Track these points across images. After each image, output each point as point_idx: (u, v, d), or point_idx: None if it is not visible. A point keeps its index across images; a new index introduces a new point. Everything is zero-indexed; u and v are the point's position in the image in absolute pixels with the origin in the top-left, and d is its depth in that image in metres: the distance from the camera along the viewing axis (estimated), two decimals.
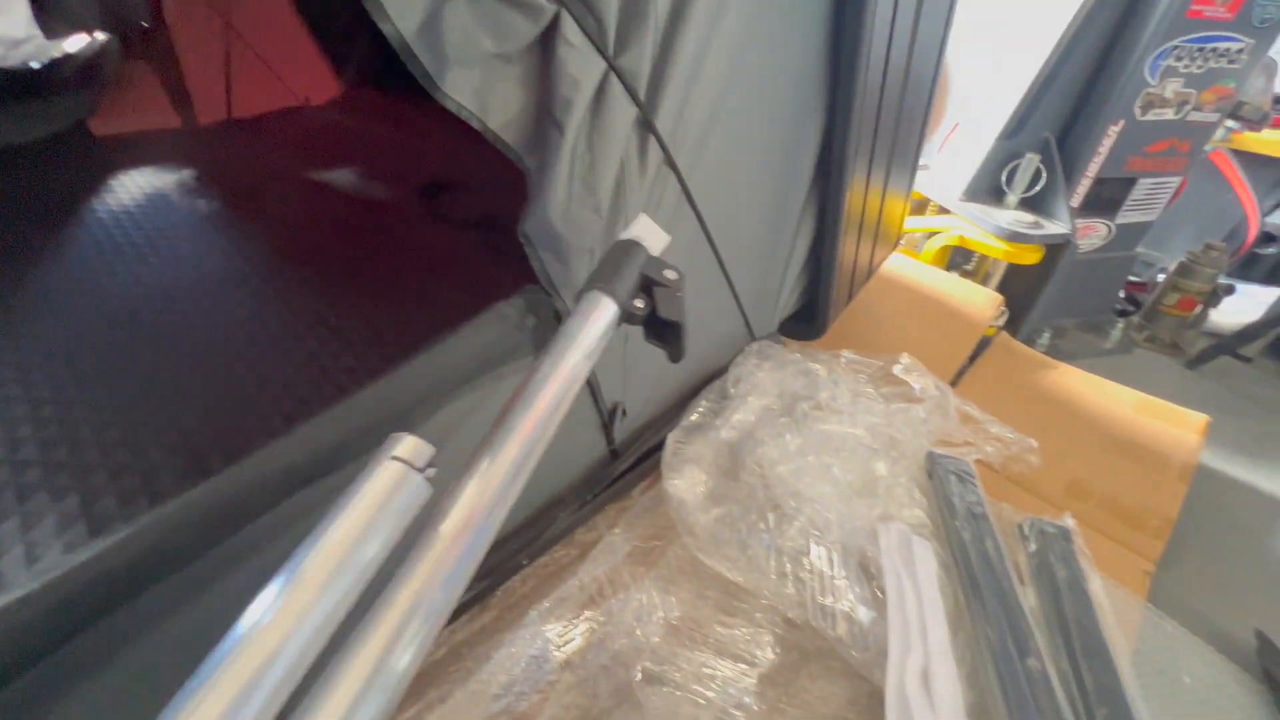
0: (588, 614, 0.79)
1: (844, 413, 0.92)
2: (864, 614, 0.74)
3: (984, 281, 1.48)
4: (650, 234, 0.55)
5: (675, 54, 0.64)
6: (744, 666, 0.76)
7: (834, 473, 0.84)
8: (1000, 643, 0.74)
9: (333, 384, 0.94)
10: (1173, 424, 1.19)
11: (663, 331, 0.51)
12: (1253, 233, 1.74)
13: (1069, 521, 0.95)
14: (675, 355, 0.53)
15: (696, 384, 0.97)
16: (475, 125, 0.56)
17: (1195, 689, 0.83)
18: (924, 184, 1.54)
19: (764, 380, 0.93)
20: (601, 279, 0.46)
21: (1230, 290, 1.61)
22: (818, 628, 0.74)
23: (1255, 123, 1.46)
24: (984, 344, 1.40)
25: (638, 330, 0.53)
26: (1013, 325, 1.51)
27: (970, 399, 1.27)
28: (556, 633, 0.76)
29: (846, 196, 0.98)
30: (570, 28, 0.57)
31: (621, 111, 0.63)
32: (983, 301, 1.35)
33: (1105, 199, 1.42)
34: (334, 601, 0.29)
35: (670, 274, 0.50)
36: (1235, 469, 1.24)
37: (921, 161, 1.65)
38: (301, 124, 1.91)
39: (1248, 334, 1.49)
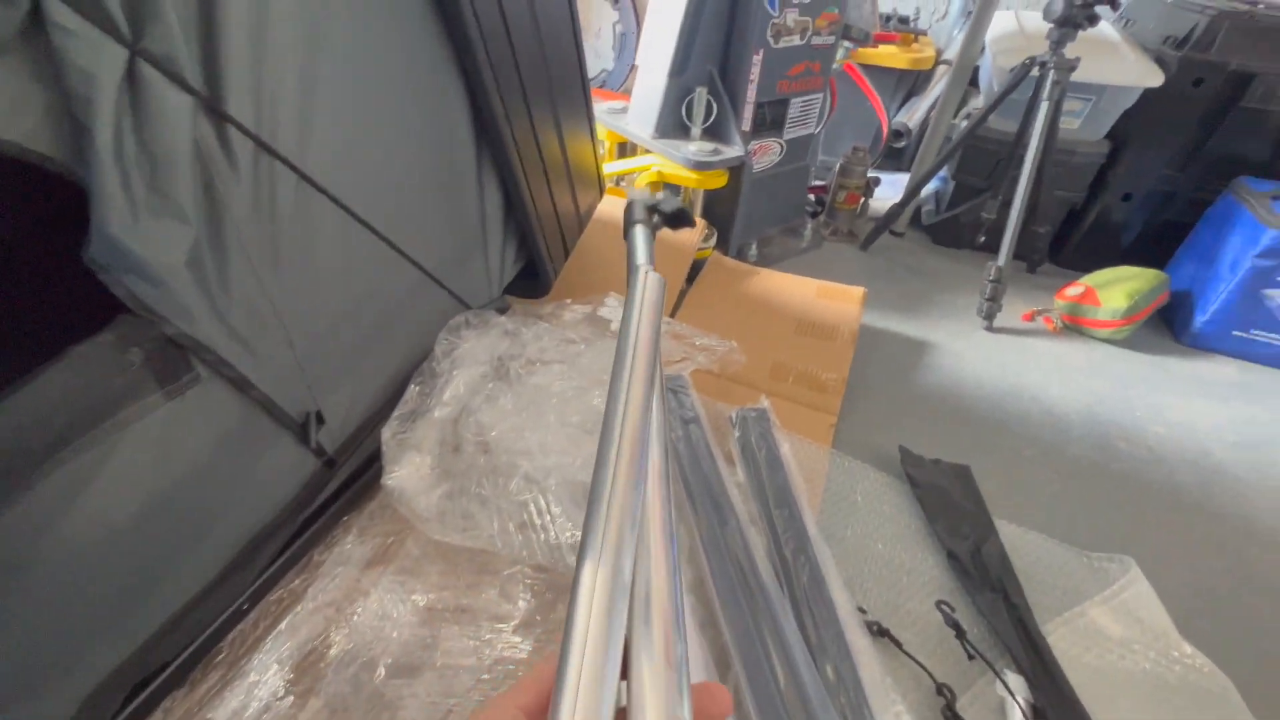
0: (329, 633, 0.76)
1: (556, 362, 0.98)
2: None
3: (690, 209, 1.64)
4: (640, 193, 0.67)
5: (223, 29, 0.57)
6: (500, 624, 0.79)
7: (551, 420, 0.89)
8: (707, 519, 0.86)
9: None
10: (841, 300, 1.46)
11: (677, 220, 0.61)
12: (885, 132, 2.16)
13: (764, 403, 1.13)
14: (691, 224, 0.64)
15: (410, 370, 0.95)
16: None
17: (865, 503, 1.06)
18: (625, 126, 1.64)
19: (471, 350, 0.94)
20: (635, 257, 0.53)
21: (878, 182, 2.00)
22: (552, 565, 0.80)
23: (861, 42, 1.78)
24: (702, 265, 1.57)
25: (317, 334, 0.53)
26: (723, 243, 1.70)
27: (691, 317, 1.42)
28: (293, 664, 0.72)
29: (514, 149, 1.00)
30: (58, 10, 0.48)
31: (171, 102, 0.55)
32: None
33: (769, 120, 1.63)
34: None
35: (660, 195, 0.63)
36: (890, 323, 1.58)
37: (620, 105, 1.75)
38: None
39: (893, 214, 1.87)
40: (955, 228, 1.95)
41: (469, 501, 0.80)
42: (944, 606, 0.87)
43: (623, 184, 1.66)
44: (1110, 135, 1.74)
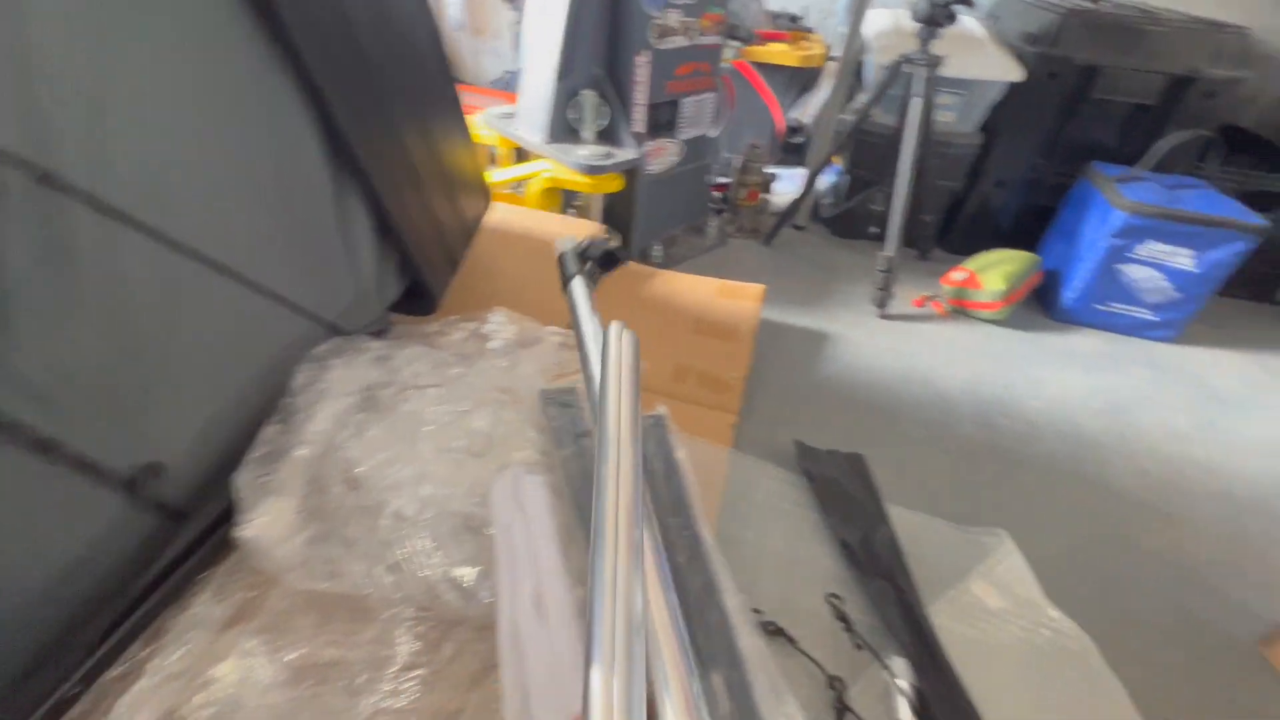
0: (179, 707, 0.69)
1: (432, 386, 0.93)
2: (468, 572, 0.77)
3: (588, 214, 1.62)
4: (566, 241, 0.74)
5: None
6: (379, 672, 0.74)
7: (427, 449, 0.85)
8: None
9: None
10: (741, 298, 1.48)
11: (609, 262, 0.66)
12: (780, 127, 2.21)
13: (660, 410, 1.12)
14: (625, 260, 0.67)
15: (268, 406, 0.88)
16: None
17: (764, 501, 1.08)
18: (515, 131, 1.59)
19: (339, 379, 0.88)
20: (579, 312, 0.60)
21: (775, 177, 2.04)
22: (430, 604, 0.76)
23: (747, 40, 1.82)
24: None
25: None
26: (625, 246, 1.69)
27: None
28: None
29: (373, 159, 0.95)
30: None
31: None
32: (586, 233, 1.47)
33: (662, 121, 1.63)
34: None
35: (586, 241, 0.65)
36: (790, 317, 1.61)
37: (510, 110, 1.70)
38: None
39: (791, 209, 1.91)
40: (851, 220, 2.02)
41: (335, 545, 0.74)
42: (832, 599, 0.89)
43: (520, 191, 1.61)
44: (983, 127, 1.85)
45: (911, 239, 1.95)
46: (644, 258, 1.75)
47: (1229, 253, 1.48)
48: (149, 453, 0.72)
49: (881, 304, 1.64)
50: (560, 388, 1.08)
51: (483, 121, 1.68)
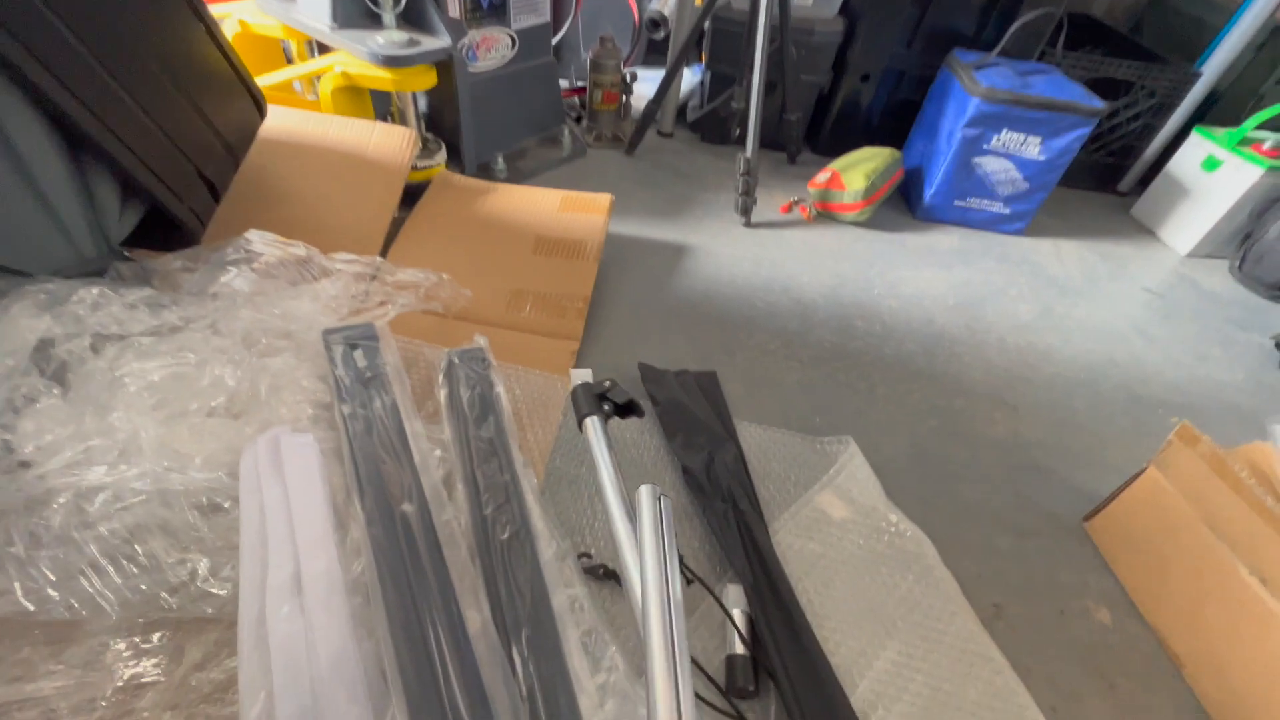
0: None
1: (145, 336, 0.73)
2: (200, 563, 0.62)
3: (401, 119, 1.37)
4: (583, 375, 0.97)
5: None
6: (85, 701, 0.59)
7: (128, 418, 0.66)
8: (374, 504, 0.70)
9: None
10: (587, 210, 1.32)
11: (623, 410, 0.77)
12: (638, 20, 1.99)
13: (480, 341, 0.97)
14: (639, 414, 0.78)
15: None
16: None
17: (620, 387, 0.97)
18: (296, 17, 1.29)
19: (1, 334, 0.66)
20: (586, 411, 0.75)
21: (635, 77, 1.85)
22: (145, 611, 0.60)
23: None
24: (424, 189, 1.34)
25: None
26: (458, 161, 1.47)
27: (408, 252, 1.20)
28: None
29: (36, 61, 0.69)
30: None
31: None
32: (397, 143, 1.25)
33: (488, 5, 1.38)
34: None
35: (606, 383, 0.79)
36: (649, 230, 1.48)
37: None
38: None
39: (649, 113, 1.74)
40: (717, 122, 1.87)
41: None
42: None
43: (313, 95, 1.33)
44: (844, 12, 1.72)
45: (780, 141, 1.84)
46: (484, 171, 1.54)
47: (1072, 138, 1.48)
48: None
49: (745, 211, 1.54)
50: (349, 327, 0.90)
51: (259, 6, 1.35)
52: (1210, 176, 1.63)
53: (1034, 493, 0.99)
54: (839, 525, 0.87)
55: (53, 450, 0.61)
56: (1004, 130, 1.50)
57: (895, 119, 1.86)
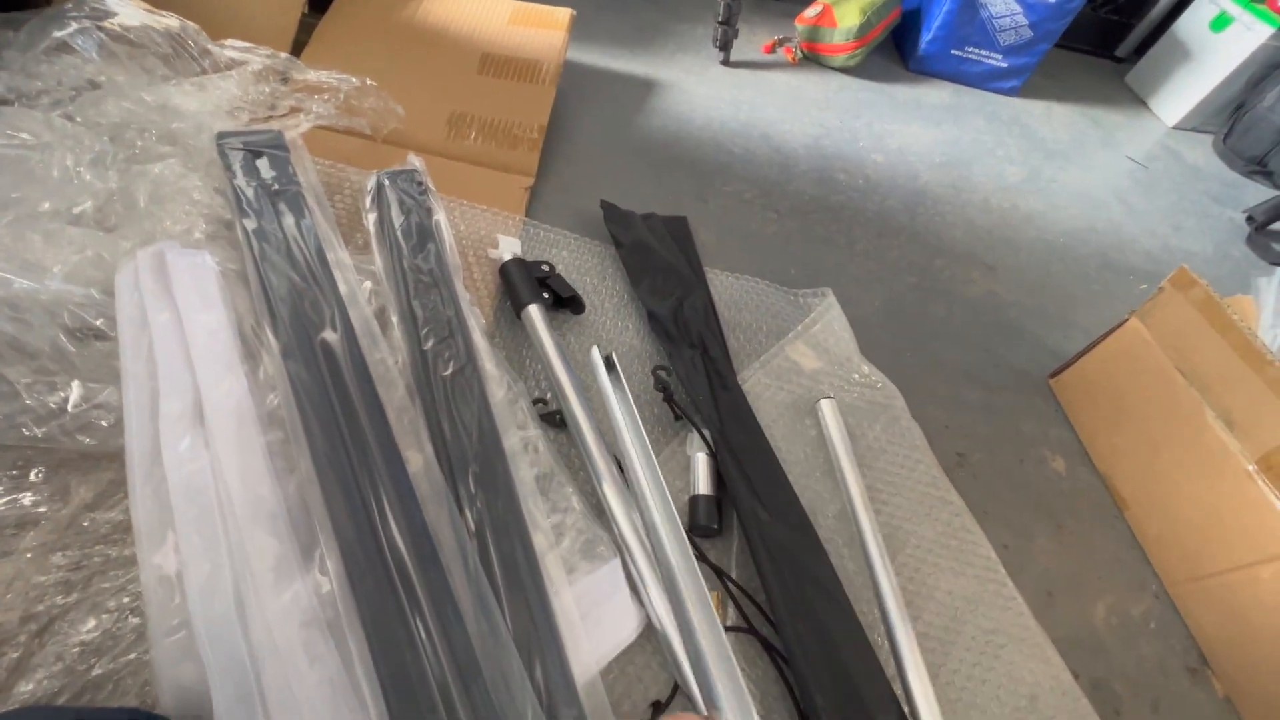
0: None
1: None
2: (72, 393, 0.52)
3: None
4: (512, 247, 0.84)
5: None
6: None
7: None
8: (292, 329, 0.60)
9: None
10: (542, 25, 1.12)
11: (564, 303, 0.80)
12: None
13: (414, 161, 0.83)
14: (579, 310, 0.82)
15: None
16: None
17: (562, 273, 0.87)
18: None
19: None
20: (527, 298, 0.75)
21: None
22: (13, 442, 0.51)
23: None
24: None
25: None
26: None
27: (325, 51, 1.00)
28: None
29: None
30: None
31: None
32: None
33: None
34: None
35: (545, 267, 0.81)
36: (614, 61, 1.30)
37: None
38: None
39: None
40: None
41: None
42: (660, 372, 0.75)
43: None
44: None
45: None
46: None
47: None
48: None
49: (725, 45, 1.36)
50: (251, 131, 0.75)
51: None
52: (1216, 37, 1.52)
53: (1005, 351, 0.97)
54: (810, 375, 0.82)
55: None
56: None
57: None
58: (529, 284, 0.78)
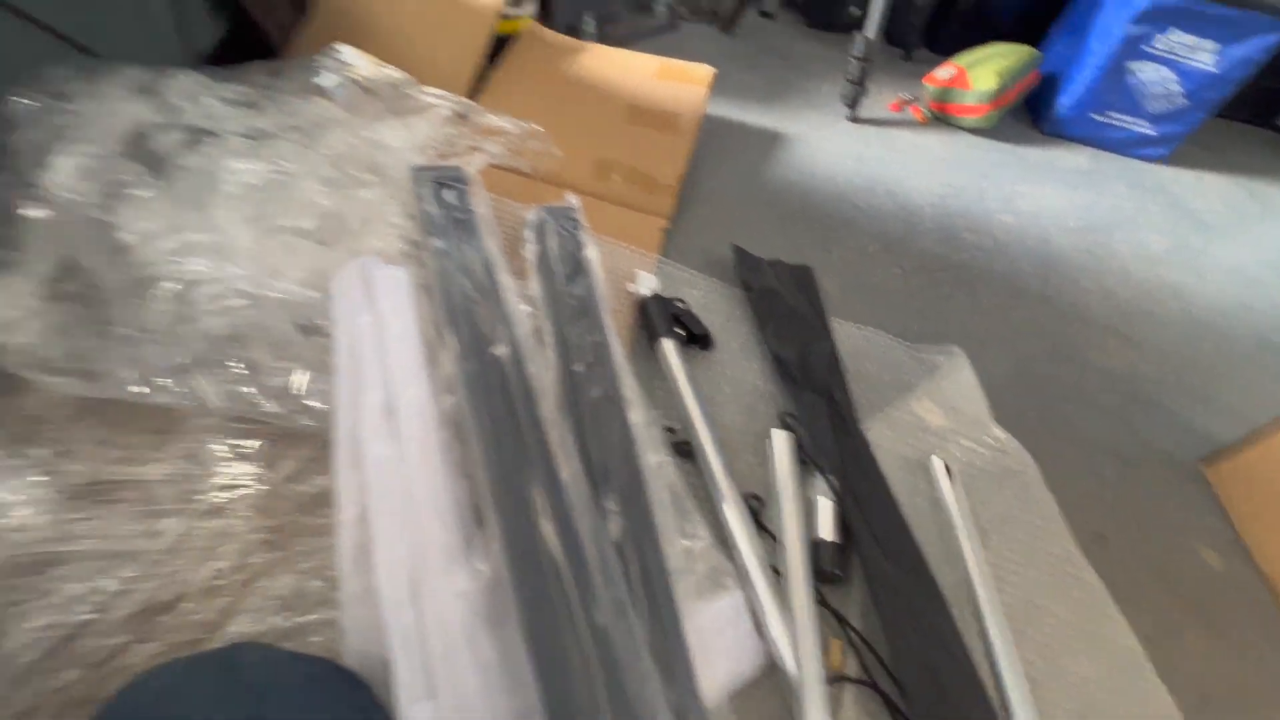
0: None
1: (238, 136, 0.69)
2: (296, 377, 0.61)
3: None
4: (650, 283, 0.88)
5: None
6: (184, 490, 0.60)
7: (228, 220, 0.63)
8: (467, 343, 0.68)
9: None
10: (685, 81, 1.21)
11: (695, 339, 0.83)
12: None
13: (571, 200, 0.91)
14: (708, 346, 0.86)
15: None
16: None
17: (694, 311, 0.92)
18: None
19: (84, 117, 0.62)
20: (662, 331, 0.80)
21: None
22: (246, 412, 0.60)
23: None
24: (511, 41, 1.23)
25: None
26: (547, 16, 1.34)
27: (497, 98, 1.12)
28: None
29: None
30: None
31: None
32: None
33: None
34: None
35: (679, 304, 0.86)
36: (745, 114, 1.36)
37: None
38: None
39: None
40: (829, 5, 1.67)
41: (86, 336, 0.55)
42: (788, 418, 0.77)
43: None
44: None
45: (897, 37, 1.64)
46: (571, 31, 1.41)
47: (1258, 48, 1.26)
48: None
49: (853, 102, 1.39)
50: (439, 166, 0.85)
51: None
52: None
53: (1145, 427, 0.91)
54: (936, 433, 0.82)
55: (152, 237, 0.59)
56: (1172, 30, 1.29)
57: (1032, 19, 1.62)
58: (665, 319, 0.83)
